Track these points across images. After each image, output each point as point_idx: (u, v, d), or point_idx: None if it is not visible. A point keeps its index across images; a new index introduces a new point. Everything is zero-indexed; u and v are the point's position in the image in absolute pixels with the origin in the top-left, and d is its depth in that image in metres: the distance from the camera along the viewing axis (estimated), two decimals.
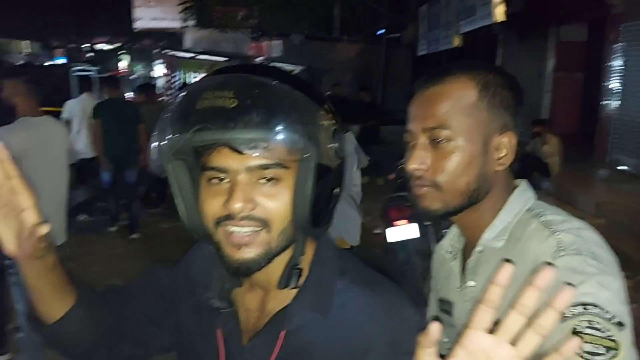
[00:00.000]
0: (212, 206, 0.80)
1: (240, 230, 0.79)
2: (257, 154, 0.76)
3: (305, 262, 0.87)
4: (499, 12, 8.87)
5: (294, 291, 0.86)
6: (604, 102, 8.49)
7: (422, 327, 0.82)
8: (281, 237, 0.81)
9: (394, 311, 0.84)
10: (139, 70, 31.04)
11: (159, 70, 26.92)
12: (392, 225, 3.98)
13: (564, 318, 0.85)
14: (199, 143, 0.78)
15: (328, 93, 9.53)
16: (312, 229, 0.83)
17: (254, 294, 0.90)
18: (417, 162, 0.99)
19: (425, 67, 13.44)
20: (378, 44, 17.29)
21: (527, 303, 0.59)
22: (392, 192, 4.40)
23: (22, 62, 17.19)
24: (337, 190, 0.88)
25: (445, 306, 1.15)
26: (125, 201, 6.18)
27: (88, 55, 25.32)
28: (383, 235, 4.37)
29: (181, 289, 0.98)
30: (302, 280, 0.86)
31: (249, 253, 0.80)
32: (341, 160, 0.85)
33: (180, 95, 0.84)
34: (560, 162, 7.15)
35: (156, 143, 0.83)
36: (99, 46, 29.44)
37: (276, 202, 0.79)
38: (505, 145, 1.00)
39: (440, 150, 0.98)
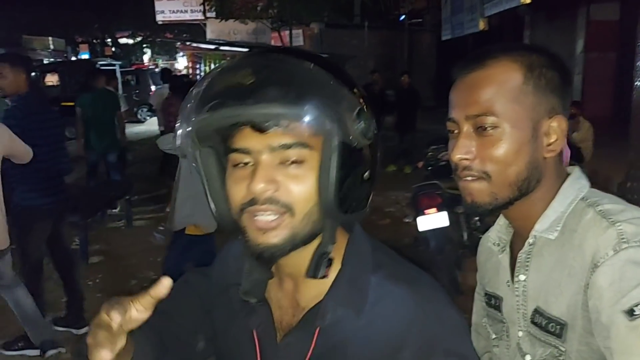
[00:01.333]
0: (238, 192, 0.78)
1: (264, 214, 0.76)
2: (278, 131, 0.74)
3: (337, 256, 0.84)
4: None
5: (326, 286, 0.83)
6: (638, 83, 8.23)
7: (461, 326, 0.83)
8: (305, 222, 0.78)
9: (430, 309, 0.80)
10: (162, 63, 31.30)
11: (181, 62, 27.12)
12: (422, 214, 3.92)
13: (632, 316, 0.81)
14: (217, 122, 0.76)
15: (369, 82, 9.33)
16: (340, 215, 0.79)
17: (285, 290, 0.88)
18: (463, 151, 0.94)
19: (450, 52, 13.23)
20: (400, 29, 17.09)
21: None
22: (421, 180, 4.34)
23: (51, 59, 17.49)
24: (367, 174, 0.83)
25: (493, 301, 1.11)
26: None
27: (112, 49, 25.65)
28: (412, 223, 4.32)
29: (215, 291, 0.96)
30: (333, 274, 0.83)
31: (274, 238, 0.77)
32: (370, 142, 0.81)
33: (201, 80, 0.83)
34: (592, 147, 6.98)
35: (179, 131, 0.81)
36: (122, 40, 29.78)
37: (300, 185, 0.77)
38: (554, 130, 0.95)
39: (487, 139, 0.93)
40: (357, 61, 13.97)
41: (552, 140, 0.95)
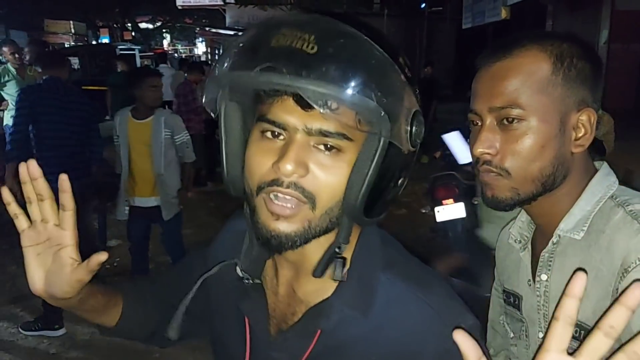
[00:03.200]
0: (261, 166, 0.71)
1: (284, 198, 0.69)
2: (324, 114, 0.66)
3: (347, 252, 0.77)
4: None
5: (331, 282, 0.76)
6: None
7: (477, 331, 0.75)
8: (324, 218, 0.71)
9: (446, 316, 0.73)
10: (181, 47, 31.34)
11: (200, 48, 27.12)
12: (440, 205, 3.91)
13: None
14: (263, 86, 0.68)
15: None
16: (362, 218, 0.72)
17: (283, 276, 0.82)
18: (485, 145, 0.90)
19: (470, 41, 13.06)
20: (420, 18, 16.87)
21: (614, 323, 0.51)
22: (438, 171, 4.32)
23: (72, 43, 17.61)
24: (401, 181, 0.77)
25: (512, 299, 1.07)
26: None
27: (132, 34, 25.75)
28: (429, 214, 4.31)
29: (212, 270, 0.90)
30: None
31: (287, 227, 0.70)
32: (415, 149, 0.74)
33: (256, 26, 0.73)
34: (614, 139, 6.86)
35: (215, 74, 0.73)
36: (142, 25, 29.87)
37: (330, 176, 0.70)
38: (584, 124, 0.90)
39: (511, 132, 0.89)
40: None
41: (580, 135, 0.91)
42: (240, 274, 0.82)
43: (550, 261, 0.97)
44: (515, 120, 0.88)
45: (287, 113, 0.69)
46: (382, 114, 0.67)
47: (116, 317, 0.93)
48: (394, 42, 0.74)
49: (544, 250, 0.97)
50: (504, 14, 10.79)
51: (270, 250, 0.75)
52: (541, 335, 0.99)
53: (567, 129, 0.90)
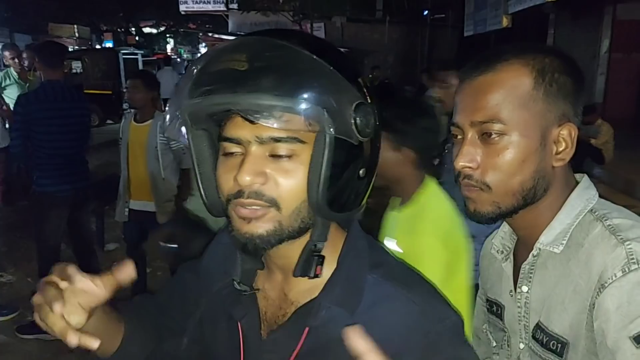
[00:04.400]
0: (226, 182, 0.75)
1: (250, 206, 0.74)
2: (269, 124, 0.70)
3: (333, 254, 0.80)
4: None
5: (319, 283, 0.79)
6: None
7: (461, 329, 0.78)
8: (293, 218, 0.74)
9: (430, 313, 0.77)
10: (185, 53, 31.46)
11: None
12: None
13: (639, 344, 0.78)
14: (209, 108, 0.74)
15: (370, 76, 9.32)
16: (331, 213, 0.75)
17: (274, 281, 0.85)
18: (466, 159, 0.90)
19: (472, 49, 13.08)
20: (422, 24, 16.93)
21: None
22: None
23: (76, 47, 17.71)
24: (363, 171, 0.79)
25: (495, 308, 1.08)
26: None
27: (135, 38, 25.87)
28: None
29: (202, 282, 0.93)
30: (329, 272, 0.80)
31: (258, 228, 0.74)
32: (369, 139, 0.76)
33: (198, 59, 0.79)
34: (613, 149, 6.87)
35: (173, 110, 0.78)
36: (146, 30, 30.01)
37: (289, 180, 0.73)
38: (564, 138, 0.91)
39: (492, 147, 0.89)
40: (378, 56, 13.90)
41: (561, 149, 0.91)
42: (238, 287, 0.84)
43: (531, 273, 0.97)
44: (496, 135, 0.89)
45: (239, 128, 0.73)
46: (320, 111, 0.70)
47: (116, 344, 0.89)
48: (352, 52, 0.81)
49: (525, 263, 0.98)
50: (505, 22, 10.83)
51: (249, 253, 0.78)
52: (522, 346, 1.00)
53: (548, 143, 0.90)
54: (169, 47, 31.95)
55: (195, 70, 0.76)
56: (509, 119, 0.88)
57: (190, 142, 0.80)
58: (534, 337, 0.95)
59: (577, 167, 0.98)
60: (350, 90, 0.74)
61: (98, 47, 21.97)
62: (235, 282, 0.84)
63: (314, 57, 0.72)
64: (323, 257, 0.78)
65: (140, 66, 14.11)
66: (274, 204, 0.73)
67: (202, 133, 0.80)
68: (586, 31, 10.16)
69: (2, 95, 5.73)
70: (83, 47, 18.39)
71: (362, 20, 16.86)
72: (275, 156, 0.73)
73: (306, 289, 0.80)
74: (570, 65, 0.93)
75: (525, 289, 0.98)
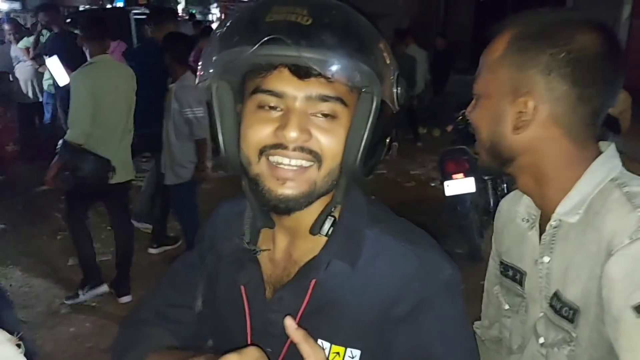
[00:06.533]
0: (259, 132, 0.74)
1: (290, 163, 0.74)
2: (321, 81, 0.71)
3: (335, 212, 0.83)
4: None
5: (322, 241, 0.82)
6: None
7: (456, 282, 0.81)
8: (327, 178, 0.76)
9: (428, 265, 0.79)
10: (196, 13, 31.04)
11: (215, 13, 26.83)
12: (449, 179, 3.91)
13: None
14: (265, 59, 0.71)
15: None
16: (360, 176, 0.78)
17: (279, 242, 0.86)
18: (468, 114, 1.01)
19: (488, 12, 12.76)
20: None
21: None
22: (450, 145, 4.30)
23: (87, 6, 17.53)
24: (388, 140, 0.82)
25: (511, 272, 1.07)
26: None
27: None
28: (439, 188, 4.31)
29: (206, 248, 0.94)
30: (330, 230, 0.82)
31: (293, 189, 0.75)
32: (400, 109, 0.79)
33: (244, 7, 0.77)
34: (631, 117, 6.74)
35: (210, 56, 0.76)
36: None
37: (331, 139, 0.74)
38: (522, 110, 0.91)
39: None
40: (390, 20, 13.62)
41: (520, 118, 0.92)
42: (249, 247, 0.86)
43: (553, 244, 0.96)
44: (475, 95, 0.99)
45: (285, 83, 0.73)
46: (375, 76, 0.73)
47: None
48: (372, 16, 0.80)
49: (545, 234, 0.98)
50: None
51: (278, 213, 0.80)
52: (541, 314, 1.00)
53: (506, 110, 0.93)
54: (179, 8, 31.49)
55: (243, 18, 0.75)
56: (480, 81, 0.98)
57: (215, 91, 0.78)
58: (550, 305, 0.96)
59: None
60: (394, 61, 0.78)
61: (109, 6, 21.68)
62: (245, 244, 0.86)
63: (368, 22, 0.75)
64: (335, 218, 0.82)
65: None
66: (317, 159, 0.75)
67: (226, 84, 0.79)
68: None
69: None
70: (94, 7, 18.15)
71: None
72: (316, 115, 0.74)
73: (309, 248, 0.83)
74: (564, 39, 0.88)
75: (546, 259, 0.98)
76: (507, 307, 1.10)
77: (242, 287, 0.85)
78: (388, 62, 0.76)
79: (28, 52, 6.41)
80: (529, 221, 1.05)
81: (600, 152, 0.95)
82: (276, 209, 0.77)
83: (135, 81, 3.60)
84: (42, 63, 6.06)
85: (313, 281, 0.80)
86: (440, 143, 5.88)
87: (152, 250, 4.39)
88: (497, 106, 0.94)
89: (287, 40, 0.69)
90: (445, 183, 3.92)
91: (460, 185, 3.89)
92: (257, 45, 0.70)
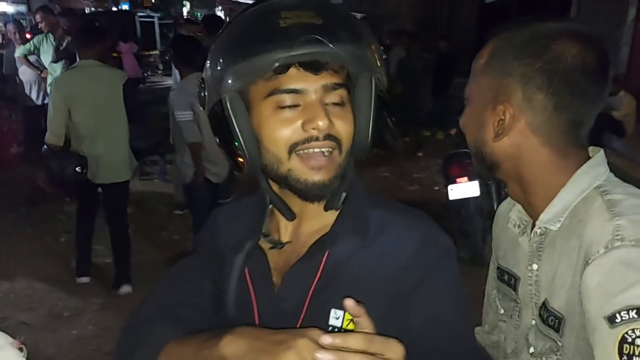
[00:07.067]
0: (287, 131, 0.79)
1: (322, 151, 0.80)
2: (330, 72, 0.78)
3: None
4: None
5: (329, 221, 0.87)
6: None
7: (453, 251, 0.88)
8: (346, 159, 0.83)
9: (429, 237, 0.86)
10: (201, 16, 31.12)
11: (220, 16, 26.89)
12: (453, 182, 3.89)
13: (612, 324, 0.76)
14: (298, 58, 0.75)
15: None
16: (369, 154, 0.86)
17: (285, 231, 0.90)
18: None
19: (492, 16, 12.75)
20: None
21: None
22: (453, 148, 4.29)
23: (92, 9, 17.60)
24: (386, 116, 0.90)
25: (507, 277, 1.07)
26: None
27: (151, 1, 25.55)
28: (442, 191, 4.30)
29: (206, 249, 0.97)
30: (336, 211, 0.88)
31: (327, 174, 0.81)
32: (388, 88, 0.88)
33: (242, 20, 0.82)
34: (634, 121, 6.73)
35: (226, 69, 0.80)
36: None
37: (345, 123, 0.82)
38: (499, 117, 0.92)
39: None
40: (395, 22, 13.63)
41: (500, 127, 0.93)
42: (273, 242, 0.89)
43: (540, 251, 0.96)
44: (466, 100, 1.02)
45: (303, 80, 0.78)
46: (374, 63, 0.83)
47: None
48: (369, 18, 0.92)
49: (531, 241, 0.98)
50: None
51: (312, 200, 0.83)
52: (533, 322, 0.99)
53: (486, 117, 0.95)
54: (185, 10, 31.59)
55: (252, 28, 0.80)
56: (468, 87, 1.01)
57: (228, 102, 0.81)
58: (539, 314, 0.95)
59: (597, 140, 0.97)
60: (379, 47, 0.86)
61: (114, 9, 21.77)
62: (268, 242, 0.89)
63: (356, 15, 0.86)
64: (346, 194, 0.87)
65: (157, 29, 14.01)
66: (339, 144, 0.82)
67: (235, 94, 0.81)
68: None
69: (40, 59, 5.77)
70: (100, 10, 18.23)
71: None
72: (329, 105, 0.80)
73: (317, 228, 0.88)
74: (533, 47, 0.89)
75: (535, 267, 0.97)
76: (502, 311, 1.10)
77: (247, 271, 0.88)
78: (378, 49, 0.86)
79: (26, 59, 6.39)
80: (520, 227, 1.05)
81: (589, 159, 0.94)
82: (311, 197, 0.82)
83: (125, 82, 3.66)
84: (44, 68, 6.07)
85: (326, 253, 0.84)
86: (443, 146, 5.86)
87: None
88: (480, 113, 0.96)
89: (324, 38, 0.75)
90: (449, 187, 3.91)
91: (464, 189, 3.88)
92: (296, 46, 0.74)
